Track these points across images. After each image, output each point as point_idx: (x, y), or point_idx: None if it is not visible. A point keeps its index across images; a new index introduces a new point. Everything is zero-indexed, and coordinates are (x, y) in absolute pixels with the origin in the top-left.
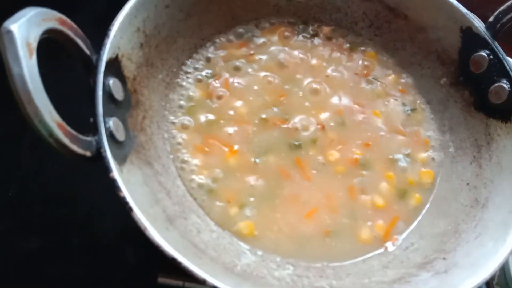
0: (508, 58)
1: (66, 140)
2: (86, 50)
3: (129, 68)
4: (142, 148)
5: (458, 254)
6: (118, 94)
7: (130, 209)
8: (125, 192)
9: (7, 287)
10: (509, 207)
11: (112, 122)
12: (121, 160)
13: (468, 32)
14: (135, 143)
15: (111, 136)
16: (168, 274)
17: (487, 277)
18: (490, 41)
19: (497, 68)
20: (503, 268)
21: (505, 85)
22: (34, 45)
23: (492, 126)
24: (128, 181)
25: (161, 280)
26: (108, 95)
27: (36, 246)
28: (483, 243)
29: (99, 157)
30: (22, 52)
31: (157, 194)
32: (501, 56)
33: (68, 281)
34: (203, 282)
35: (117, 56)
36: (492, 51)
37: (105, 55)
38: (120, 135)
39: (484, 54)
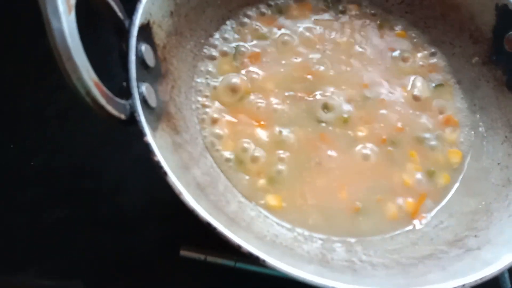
0: None
1: (102, 100)
2: (120, 14)
3: (159, 36)
4: (171, 117)
5: (490, 232)
6: (150, 60)
7: (165, 173)
8: (159, 157)
9: (34, 255)
10: None
11: (145, 88)
12: (154, 126)
13: (503, 10)
14: (165, 112)
15: (144, 101)
16: (190, 248)
17: None
18: None
19: None
20: None
21: None
22: (73, 2)
23: None
24: (161, 146)
25: (183, 253)
26: (141, 60)
27: (62, 216)
28: None
29: (132, 120)
30: (61, 7)
31: (187, 163)
32: None
33: (91, 251)
34: (238, 248)
35: (148, 23)
36: None
37: (138, 20)
38: (152, 101)
39: None
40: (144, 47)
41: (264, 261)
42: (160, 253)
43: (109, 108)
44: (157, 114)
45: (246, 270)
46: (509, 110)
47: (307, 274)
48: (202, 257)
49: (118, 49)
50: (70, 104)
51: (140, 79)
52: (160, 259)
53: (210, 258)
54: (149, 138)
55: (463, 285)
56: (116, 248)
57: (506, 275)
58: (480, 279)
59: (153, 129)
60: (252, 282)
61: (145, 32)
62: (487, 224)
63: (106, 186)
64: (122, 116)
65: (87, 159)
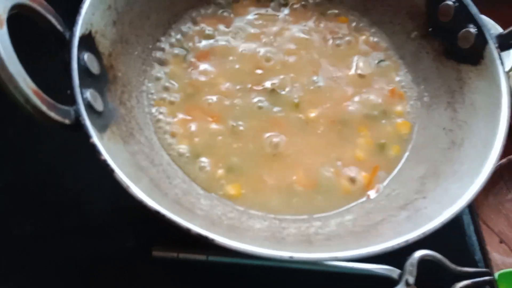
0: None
1: (43, 107)
2: (59, 27)
3: (103, 44)
4: (123, 120)
5: (437, 192)
6: (94, 68)
7: (112, 171)
8: (106, 156)
9: (1, 274)
10: (483, 143)
11: (90, 93)
12: (101, 129)
13: None
14: (116, 116)
15: (89, 106)
16: (161, 248)
17: (464, 206)
18: None
19: (463, 15)
20: None
21: (472, 30)
22: (4, 16)
23: (464, 71)
24: (109, 148)
25: (156, 253)
26: (84, 68)
27: (28, 230)
28: (460, 178)
29: (78, 125)
30: None
31: (140, 162)
32: (464, 2)
33: (62, 263)
34: (187, 231)
35: (90, 32)
36: None
37: (78, 31)
38: (99, 106)
39: (450, 2)
40: (86, 56)
41: (213, 240)
42: (133, 257)
43: (52, 114)
44: (105, 118)
45: (218, 262)
46: (449, 77)
47: (254, 248)
48: (174, 255)
49: (61, 59)
50: (27, 116)
51: (84, 86)
52: (133, 263)
53: (182, 255)
54: (95, 139)
55: (406, 240)
56: (87, 258)
57: (474, 238)
58: (423, 233)
59: (101, 131)
60: (226, 273)
61: (87, 42)
62: (434, 186)
63: (71, 197)
64: (67, 121)
65: (47, 171)
